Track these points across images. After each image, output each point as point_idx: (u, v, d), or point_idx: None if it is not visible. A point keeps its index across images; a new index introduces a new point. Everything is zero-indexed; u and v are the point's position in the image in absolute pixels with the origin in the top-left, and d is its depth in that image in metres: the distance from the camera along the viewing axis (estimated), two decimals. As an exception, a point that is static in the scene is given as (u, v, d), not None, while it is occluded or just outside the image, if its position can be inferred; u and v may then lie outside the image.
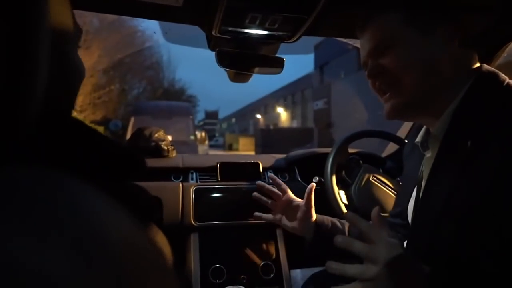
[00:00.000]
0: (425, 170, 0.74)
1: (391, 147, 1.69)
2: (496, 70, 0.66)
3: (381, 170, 1.46)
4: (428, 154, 0.74)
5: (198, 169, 1.48)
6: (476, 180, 0.56)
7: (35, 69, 0.23)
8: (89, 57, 10.93)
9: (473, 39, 0.69)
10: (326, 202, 1.37)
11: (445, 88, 0.67)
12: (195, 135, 8.10)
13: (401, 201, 0.89)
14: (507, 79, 0.63)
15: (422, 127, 0.80)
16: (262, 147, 18.05)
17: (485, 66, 0.68)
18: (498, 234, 0.53)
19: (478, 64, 0.68)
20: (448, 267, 0.58)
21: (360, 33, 0.75)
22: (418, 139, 0.77)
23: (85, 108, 12.77)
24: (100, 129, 12.63)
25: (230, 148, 27.32)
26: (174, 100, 20.05)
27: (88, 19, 10.96)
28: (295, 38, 0.99)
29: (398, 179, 1.41)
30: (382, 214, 1.29)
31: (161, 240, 0.31)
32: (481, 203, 0.55)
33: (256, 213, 1.27)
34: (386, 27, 0.70)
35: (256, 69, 1.08)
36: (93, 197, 0.23)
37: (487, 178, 0.55)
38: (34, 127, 0.24)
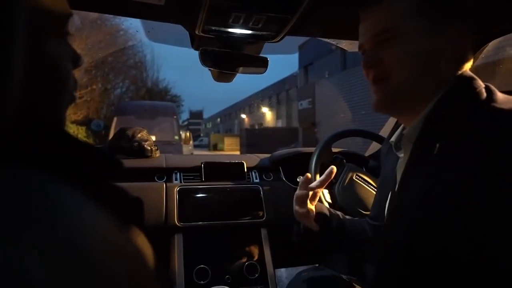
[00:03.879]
0: (398, 171, 0.72)
1: (374, 146, 1.72)
2: (474, 76, 0.64)
3: (364, 169, 1.48)
4: (401, 155, 0.73)
5: (182, 169, 1.47)
6: (445, 186, 0.56)
7: (10, 64, 0.22)
8: (70, 56, 10.69)
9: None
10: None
11: (430, 88, 0.64)
12: (180, 135, 8.02)
13: (379, 202, 0.89)
14: (482, 86, 0.62)
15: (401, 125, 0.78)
16: (247, 146, 18.04)
17: (467, 71, 0.65)
18: (470, 241, 0.53)
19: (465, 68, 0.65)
20: (423, 268, 0.58)
21: (363, 15, 0.70)
22: (393, 138, 0.75)
23: (66, 108, 12.48)
24: (82, 129, 12.40)
25: (215, 148, 27.24)
26: (158, 99, 19.82)
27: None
28: (279, 38, 0.99)
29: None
30: (364, 212, 1.31)
31: (142, 241, 0.30)
32: (452, 208, 0.55)
33: None
34: (394, 13, 0.64)
35: (240, 69, 1.08)
36: (69, 198, 0.23)
37: (455, 184, 0.54)
38: (10, 127, 0.24)
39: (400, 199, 0.66)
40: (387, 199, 0.78)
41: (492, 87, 0.62)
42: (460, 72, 0.64)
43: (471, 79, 0.63)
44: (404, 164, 0.68)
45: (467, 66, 0.66)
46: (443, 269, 0.56)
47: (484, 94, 0.60)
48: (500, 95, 0.60)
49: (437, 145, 0.58)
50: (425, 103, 0.65)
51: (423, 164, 0.61)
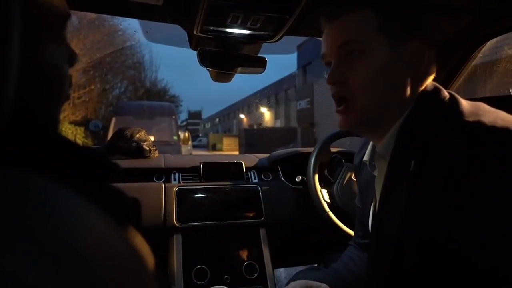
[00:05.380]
0: (376, 189, 0.71)
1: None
2: (439, 87, 0.64)
3: (362, 169, 1.48)
4: (375, 173, 0.71)
5: (180, 170, 1.47)
6: (424, 201, 0.56)
7: (5, 65, 0.22)
8: (68, 56, 10.69)
9: (442, 50, 0.65)
10: (308, 201, 1.38)
11: (397, 106, 0.63)
12: (178, 136, 8.01)
13: (362, 218, 0.87)
14: (448, 97, 0.62)
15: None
16: (246, 147, 18.02)
17: (432, 83, 0.65)
18: (454, 254, 0.54)
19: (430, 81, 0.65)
20: (410, 278, 0.59)
21: (328, 25, 0.67)
22: (366, 157, 0.74)
23: (64, 108, 12.46)
24: (81, 129, 12.37)
25: (213, 148, 27.19)
26: (157, 100, 19.77)
27: (67, 17, 10.72)
28: (277, 38, 0.99)
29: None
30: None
31: (140, 242, 0.30)
32: (431, 222, 0.55)
33: None
34: (358, 26, 0.62)
35: (238, 69, 1.08)
36: (65, 199, 0.23)
37: (433, 199, 0.54)
38: (5, 128, 0.24)
39: (382, 218, 0.65)
40: (369, 215, 0.78)
41: (456, 96, 0.62)
42: (424, 85, 0.64)
43: (436, 91, 0.63)
44: (380, 181, 0.66)
45: (430, 78, 0.65)
46: (430, 279, 0.57)
47: (449, 105, 0.60)
48: (464, 104, 0.60)
49: (412, 162, 0.58)
50: (393, 121, 0.64)
51: (401, 182, 0.60)
